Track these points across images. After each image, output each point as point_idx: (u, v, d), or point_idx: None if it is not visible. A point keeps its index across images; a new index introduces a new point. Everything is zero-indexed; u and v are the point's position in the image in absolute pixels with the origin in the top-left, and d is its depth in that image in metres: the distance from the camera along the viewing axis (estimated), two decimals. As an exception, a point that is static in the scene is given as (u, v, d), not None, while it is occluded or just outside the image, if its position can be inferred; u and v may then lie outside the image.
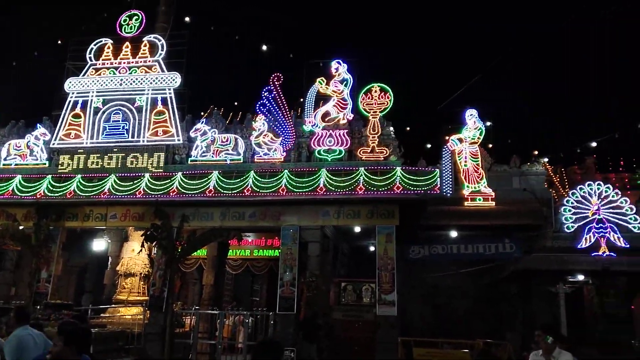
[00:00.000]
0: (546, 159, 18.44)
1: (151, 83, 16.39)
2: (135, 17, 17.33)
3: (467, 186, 16.55)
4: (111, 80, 16.64)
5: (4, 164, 16.71)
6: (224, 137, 15.65)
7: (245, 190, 14.51)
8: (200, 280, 20.66)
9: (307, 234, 14.74)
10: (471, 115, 17.06)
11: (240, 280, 23.50)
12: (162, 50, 16.73)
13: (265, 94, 15.62)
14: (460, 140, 16.99)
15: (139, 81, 16.47)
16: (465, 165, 16.75)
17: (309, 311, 13.76)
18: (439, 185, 14.33)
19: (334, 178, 14.34)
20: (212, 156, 15.57)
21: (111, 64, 16.93)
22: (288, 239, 14.51)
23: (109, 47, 17.13)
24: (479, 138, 16.94)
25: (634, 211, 15.89)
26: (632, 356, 15.33)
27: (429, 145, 19.01)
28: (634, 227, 15.62)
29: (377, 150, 14.77)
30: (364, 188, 14.01)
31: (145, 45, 16.85)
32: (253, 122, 15.75)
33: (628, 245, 15.45)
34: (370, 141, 14.91)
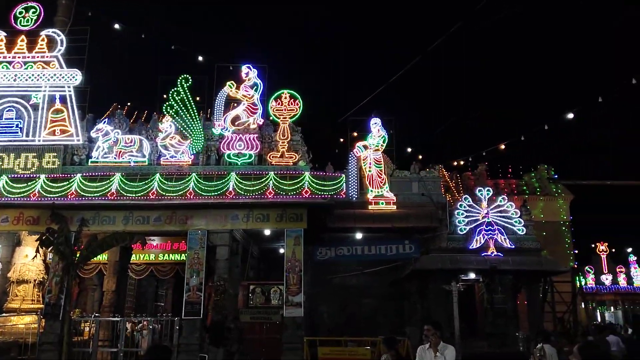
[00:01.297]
0: (440, 167, 19.75)
1: (49, 80, 15.49)
2: (33, 9, 16.29)
3: (371, 191, 17.35)
4: (4, 75, 15.50)
5: None
6: (128, 138, 15.19)
7: (150, 194, 14.19)
8: (100, 286, 19.72)
9: (215, 237, 14.70)
10: (375, 124, 17.91)
11: (143, 286, 22.77)
12: (62, 45, 15.86)
13: (173, 95, 15.37)
14: (365, 147, 17.78)
15: (35, 77, 15.50)
16: (369, 171, 17.56)
17: (216, 315, 13.72)
18: (345, 190, 14.97)
19: (243, 182, 14.44)
20: (115, 157, 15.05)
21: (4, 57, 15.78)
22: (195, 243, 14.38)
23: (1, 40, 15.95)
24: (382, 145, 17.82)
25: (519, 215, 17.52)
26: (517, 347, 16.84)
27: (336, 151, 19.67)
28: (519, 230, 17.21)
29: (287, 156, 15.10)
30: (273, 192, 14.26)
31: (43, 40, 15.89)
32: (159, 124, 15.43)
33: (513, 246, 16.99)
34: (280, 146, 15.21)
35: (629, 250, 33.22)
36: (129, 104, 19.84)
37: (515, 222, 17.29)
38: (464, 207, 17.33)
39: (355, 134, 18.94)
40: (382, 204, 17.22)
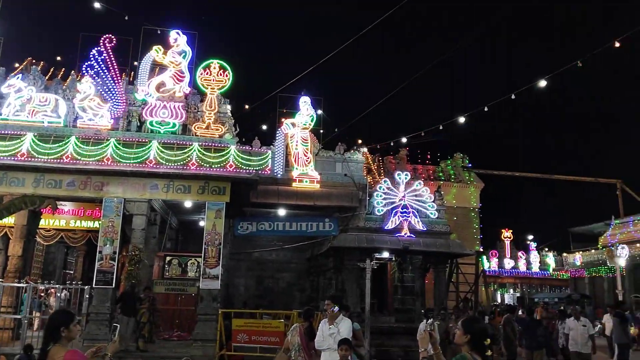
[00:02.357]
0: (365, 150, 20.38)
1: (-48, 24, 14.15)
2: None
3: (297, 168, 17.58)
4: None
5: None
6: (43, 97, 14.28)
7: (64, 157, 13.49)
8: (5, 251, 18.62)
9: (132, 206, 14.30)
10: (304, 102, 18.06)
11: (52, 252, 21.82)
12: (-31, -12, 14.51)
13: (95, 55, 14.59)
14: (293, 124, 17.90)
15: None
16: (296, 149, 17.74)
17: (128, 285, 13.48)
18: (270, 166, 15.04)
19: (165, 151, 14.08)
20: (28, 116, 14.12)
21: None
22: (110, 210, 13.93)
23: None
24: (310, 124, 18.04)
25: (432, 200, 18.52)
26: (420, 322, 18.00)
27: (264, 127, 19.64)
28: (431, 214, 18.20)
29: (213, 127, 14.88)
30: (196, 164, 14.04)
31: (-54, -21, 14.43)
32: (78, 84, 14.63)
33: (425, 229, 17.98)
34: (207, 117, 14.95)
35: (530, 237, 36.27)
36: (42, 62, 18.56)
37: (429, 206, 18.26)
38: (383, 189, 18.05)
39: (285, 111, 18.99)
40: (307, 182, 17.52)
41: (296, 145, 17.86)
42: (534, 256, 33.84)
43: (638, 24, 12.97)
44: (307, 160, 17.82)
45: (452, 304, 20.92)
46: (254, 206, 17.66)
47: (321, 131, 19.45)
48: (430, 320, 4.03)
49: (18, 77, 14.43)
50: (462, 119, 17.62)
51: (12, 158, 13.25)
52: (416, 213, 17.98)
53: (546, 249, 35.06)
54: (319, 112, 18.42)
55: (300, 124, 18.05)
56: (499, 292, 34.56)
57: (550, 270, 34.16)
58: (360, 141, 22.75)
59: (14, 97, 14.14)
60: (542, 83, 15.07)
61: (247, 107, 20.65)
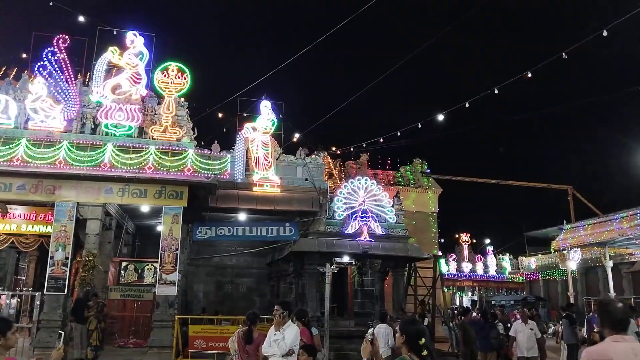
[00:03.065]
0: (326, 154, 20.52)
1: None
2: None
3: (257, 173, 17.49)
4: None
5: None
6: (-8, 97, 13.78)
7: (14, 159, 13.08)
8: (-51, 258, 17.84)
9: (86, 210, 13.95)
10: (265, 107, 18.01)
11: (2, 257, 20.98)
12: None
13: (48, 55, 14.19)
14: (254, 128, 17.82)
15: None
16: (256, 153, 17.65)
17: (81, 292, 13.10)
18: (229, 170, 15.00)
19: (121, 155, 13.83)
20: (-26, 117, 13.59)
21: None
22: (63, 215, 13.54)
23: None
24: (271, 128, 18.00)
25: (391, 204, 18.79)
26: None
27: (224, 130, 19.49)
28: (390, 218, 18.45)
29: (170, 131, 14.70)
30: (153, 167, 13.85)
31: None
32: (30, 84, 14.20)
33: (384, 233, 18.21)
34: (164, 120, 14.75)
35: (487, 241, 37.24)
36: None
37: (388, 210, 18.51)
38: (344, 194, 18.18)
39: (245, 115, 18.89)
40: (267, 186, 17.45)
41: (257, 149, 17.79)
42: (491, 259, 34.76)
43: (585, 34, 13.56)
44: (267, 165, 17.77)
45: (411, 307, 21.25)
46: (214, 211, 17.48)
47: (282, 135, 19.46)
48: (370, 330, 4.10)
49: (-35, 76, 13.88)
50: (419, 125, 18.00)
51: (-42, 160, 12.73)
52: (375, 217, 18.19)
53: (503, 253, 36.07)
54: (280, 116, 18.42)
55: (261, 128, 17.99)
56: (457, 295, 35.29)
57: (507, 273, 35.14)
58: (321, 146, 22.90)
59: (-41, 97, 13.60)
60: (496, 90, 15.56)
61: (207, 109, 20.46)
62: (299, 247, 17.45)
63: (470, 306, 24.03)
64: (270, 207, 17.75)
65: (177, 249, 13.98)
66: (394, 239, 18.41)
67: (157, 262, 14.36)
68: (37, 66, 14.23)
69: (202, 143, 16.41)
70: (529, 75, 14.67)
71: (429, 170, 31.06)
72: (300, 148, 19.16)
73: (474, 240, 36.09)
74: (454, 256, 33.76)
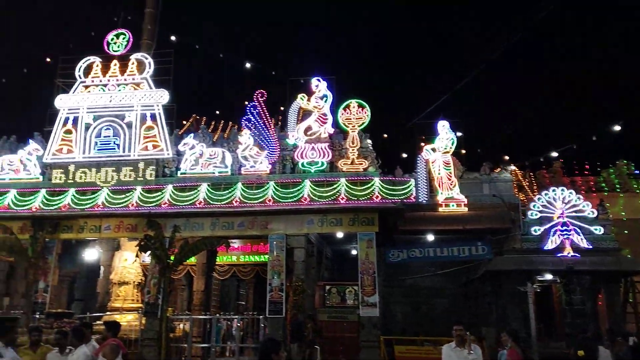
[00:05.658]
0: (513, 167, 19.62)
1: (140, 100, 17.13)
2: (123, 35, 18.03)
3: (441, 193, 17.61)
4: (101, 97, 17.32)
5: (-3, 179, 17.23)
6: (212, 151, 16.47)
7: (233, 201, 15.38)
8: (188, 286, 21.42)
9: (292, 240, 15.67)
10: (443, 127, 18.13)
11: (226, 286, 24.32)
12: (150, 68, 17.47)
13: (251, 109, 16.50)
14: (434, 150, 18.04)
15: (128, 98, 17.20)
16: (439, 174, 17.81)
17: (295, 314, 14.65)
18: (414, 194, 15.46)
19: (317, 188, 15.32)
20: (201, 169, 16.37)
21: (100, 81, 17.60)
22: (275, 246, 15.40)
23: (97, 65, 17.78)
24: (451, 147, 18.02)
25: (595, 215, 17.12)
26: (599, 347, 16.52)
27: (404, 155, 20.06)
28: (596, 230, 16.83)
29: (357, 162, 15.80)
30: (345, 198, 15.01)
31: (133, 64, 17.57)
32: (239, 136, 16.61)
33: (591, 246, 16.66)
34: (350, 154, 15.92)
35: None
36: (204, 118, 21.43)
37: (592, 221, 16.94)
38: (538, 207, 17.20)
39: (423, 137, 19.25)
40: (453, 206, 17.44)
41: (438, 170, 17.95)
42: None
43: None
44: (451, 184, 17.78)
45: (633, 327, 18.81)
46: (403, 233, 18.02)
47: (463, 152, 19.29)
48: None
49: (190, 136, 16.84)
50: (617, 127, 16.22)
51: (192, 206, 15.47)
52: (578, 230, 16.78)
53: None
54: (459, 134, 18.35)
55: (440, 148, 18.14)
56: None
57: None
58: (506, 158, 22.01)
59: (189, 154, 16.54)
60: None
61: (385, 136, 21.34)
62: (495, 266, 16.94)
63: None
64: (458, 226, 17.65)
65: (374, 272, 14.80)
66: (603, 252, 16.72)
67: (356, 284, 15.37)
68: (243, 120, 16.60)
69: (386, 170, 17.18)
70: None
71: (637, 172, 27.28)
72: (484, 163, 18.74)
73: None
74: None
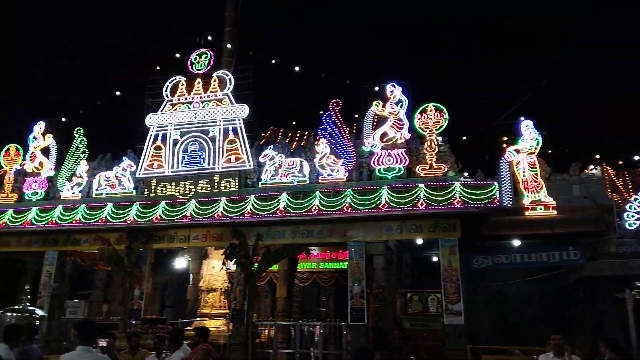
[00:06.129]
0: (605, 166, 18.41)
1: (222, 115, 17.94)
2: (205, 55, 18.99)
3: (527, 196, 16.87)
4: (186, 114, 18.33)
5: (96, 194, 18.68)
6: (290, 161, 16.88)
7: (312, 209, 15.65)
8: (271, 293, 22.02)
9: (371, 247, 15.67)
10: (527, 126, 17.38)
11: (306, 292, 24.71)
12: (230, 84, 18.25)
13: (326, 118, 16.75)
14: (518, 151, 17.35)
15: (211, 114, 18.07)
16: (524, 176, 17.09)
17: (377, 321, 14.61)
18: (498, 198, 14.92)
19: (394, 195, 15.22)
20: (281, 179, 16.81)
21: (185, 99, 18.62)
22: (354, 253, 15.47)
23: (182, 84, 18.84)
24: (536, 148, 17.24)
25: (703, 214, 15.69)
26: None
27: (486, 158, 19.45)
28: None
29: (435, 167, 15.53)
30: (424, 203, 14.80)
31: (215, 81, 18.44)
32: (316, 146, 16.90)
33: (699, 249, 15.30)
34: (428, 158, 15.69)
35: None
36: (281, 129, 22.06)
37: (701, 222, 15.52)
38: (634, 208, 16.03)
39: (505, 138, 18.58)
40: (540, 209, 16.64)
41: (523, 171, 17.23)
42: None
43: None
44: (537, 186, 17.00)
45: None
46: (486, 239, 17.45)
47: (549, 152, 18.39)
48: None
49: (270, 148, 17.38)
50: None
51: (273, 215, 15.92)
52: (683, 231, 15.45)
53: None
54: (544, 133, 17.51)
55: (524, 149, 17.41)
56: None
57: None
58: (597, 157, 20.72)
59: (269, 165, 17.05)
60: None
61: (464, 139, 20.82)
62: (588, 272, 15.99)
63: None
64: (546, 230, 16.84)
65: (457, 280, 14.44)
66: None
67: (438, 292, 15.06)
68: (319, 129, 16.88)
69: (466, 174, 16.76)
70: None
71: None
72: (573, 163, 17.76)
73: None
74: None
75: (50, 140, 19.96)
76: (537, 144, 17.30)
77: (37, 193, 19.37)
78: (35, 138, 20.09)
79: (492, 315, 22.08)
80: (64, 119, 21.26)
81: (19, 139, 20.56)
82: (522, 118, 17.69)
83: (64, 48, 33.98)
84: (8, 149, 20.42)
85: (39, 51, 35.29)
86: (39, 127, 20.21)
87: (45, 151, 19.96)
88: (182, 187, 17.64)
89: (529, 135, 17.45)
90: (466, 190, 14.89)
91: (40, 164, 19.73)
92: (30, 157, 19.85)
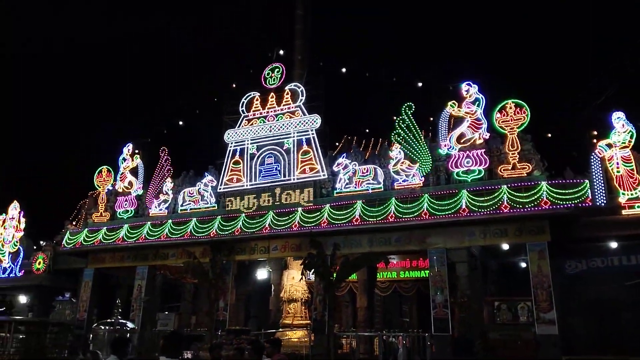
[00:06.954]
0: None
1: (295, 127, 18.18)
2: (277, 69, 19.39)
3: (623, 193, 15.52)
4: (262, 129, 18.77)
5: (181, 210, 19.55)
6: (364, 169, 16.73)
7: (388, 217, 15.37)
8: (351, 303, 21.84)
9: (453, 254, 15.10)
10: (619, 118, 16.04)
11: (387, 302, 24.25)
12: (302, 96, 18.48)
13: (399, 123, 16.45)
14: (610, 145, 16.03)
15: (285, 126, 18.38)
16: (618, 172, 15.75)
17: (463, 331, 14.00)
18: (590, 197, 13.90)
19: (475, 198, 14.59)
20: (355, 187, 16.71)
21: (260, 113, 19.09)
22: (436, 261, 14.98)
23: (257, 99, 19.34)
24: (630, 141, 15.86)
25: None
26: None
27: (574, 154, 18.15)
28: None
29: (519, 167, 14.74)
30: (508, 206, 14.07)
31: (287, 94, 18.75)
32: (389, 152, 16.63)
33: None
34: (510, 158, 14.92)
35: None
36: (354, 137, 21.95)
37: None
38: None
39: (595, 132, 17.27)
40: (638, 207, 15.24)
41: (617, 167, 15.88)
42: None
43: None
44: (634, 183, 15.58)
45: None
46: (578, 241, 16.22)
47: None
48: None
49: (343, 157, 17.33)
50: None
51: (349, 224, 15.81)
52: None
53: None
54: (639, 125, 16.03)
55: (617, 143, 16.06)
56: None
57: None
58: None
59: (343, 173, 17.02)
60: None
61: (549, 135, 19.64)
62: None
63: None
64: (647, 230, 15.34)
65: (549, 286, 13.57)
66: None
67: (529, 300, 14.19)
68: (392, 135, 16.60)
69: (553, 172, 15.73)
70: None
71: None
72: (676, 155, 16.10)
73: None
74: None
75: (137, 160, 21.20)
76: (632, 137, 15.90)
77: (127, 211, 20.61)
78: (124, 159, 21.44)
79: (588, 322, 20.43)
80: (149, 139, 22.48)
81: (108, 160, 22.04)
82: (613, 110, 16.33)
83: (145, 74, 36.26)
84: (100, 171, 21.93)
85: (125, 82, 37.94)
86: (128, 148, 21.56)
87: (134, 171, 21.21)
88: (261, 199, 18.00)
89: (622, 127, 16.09)
90: (554, 190, 13.99)
91: (130, 183, 20.99)
92: (121, 177, 21.20)
